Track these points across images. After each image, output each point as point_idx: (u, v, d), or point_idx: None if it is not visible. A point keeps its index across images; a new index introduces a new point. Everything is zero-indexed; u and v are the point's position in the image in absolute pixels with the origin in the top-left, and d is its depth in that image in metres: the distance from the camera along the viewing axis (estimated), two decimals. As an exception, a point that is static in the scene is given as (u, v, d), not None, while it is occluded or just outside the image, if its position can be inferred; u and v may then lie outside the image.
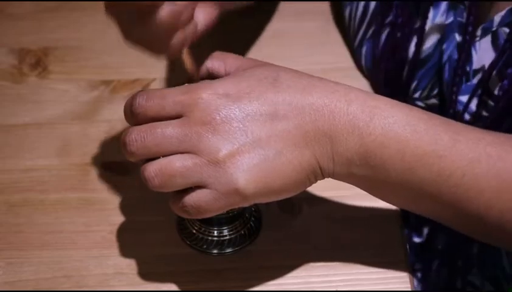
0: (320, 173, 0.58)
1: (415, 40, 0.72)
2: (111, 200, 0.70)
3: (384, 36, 0.74)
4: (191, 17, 0.60)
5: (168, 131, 0.57)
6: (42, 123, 0.77)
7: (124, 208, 0.70)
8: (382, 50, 0.75)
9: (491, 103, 0.66)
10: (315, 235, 0.67)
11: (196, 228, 0.67)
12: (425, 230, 0.78)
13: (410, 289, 0.64)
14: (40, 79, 0.81)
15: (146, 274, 0.65)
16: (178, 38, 0.60)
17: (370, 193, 0.61)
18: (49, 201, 0.71)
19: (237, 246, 0.67)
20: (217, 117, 0.56)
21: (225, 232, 0.67)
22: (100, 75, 0.81)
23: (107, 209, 0.70)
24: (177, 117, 0.57)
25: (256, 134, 0.56)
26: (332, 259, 0.66)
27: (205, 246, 0.67)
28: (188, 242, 0.67)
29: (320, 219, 0.68)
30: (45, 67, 0.82)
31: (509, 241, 0.59)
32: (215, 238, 0.67)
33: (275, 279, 0.65)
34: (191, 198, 0.57)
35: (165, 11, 0.57)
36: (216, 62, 0.61)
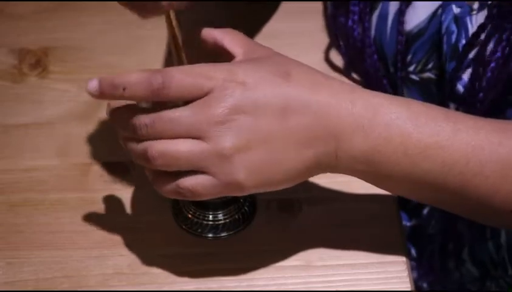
0: (322, 169, 0.60)
1: (407, 14, 0.72)
2: (111, 200, 0.70)
3: (376, 14, 0.75)
4: None
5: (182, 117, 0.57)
6: (42, 123, 0.77)
7: (124, 208, 0.70)
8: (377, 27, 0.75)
9: (488, 74, 0.67)
10: (315, 235, 0.67)
11: (191, 212, 0.68)
12: (422, 213, 0.78)
13: (410, 289, 0.64)
14: (40, 79, 0.81)
15: (146, 274, 0.65)
16: None
17: (373, 185, 0.62)
18: (49, 201, 0.70)
19: (232, 230, 0.68)
20: (230, 109, 0.57)
21: (220, 216, 0.67)
22: (99, 75, 0.80)
23: (107, 209, 0.70)
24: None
25: (265, 131, 0.57)
26: (332, 259, 0.66)
27: (200, 230, 0.67)
28: (183, 226, 0.68)
29: (320, 219, 0.68)
30: (45, 67, 0.82)
31: None
32: (210, 222, 0.67)
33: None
34: (189, 181, 0.58)
35: None
36: (229, 37, 0.62)
